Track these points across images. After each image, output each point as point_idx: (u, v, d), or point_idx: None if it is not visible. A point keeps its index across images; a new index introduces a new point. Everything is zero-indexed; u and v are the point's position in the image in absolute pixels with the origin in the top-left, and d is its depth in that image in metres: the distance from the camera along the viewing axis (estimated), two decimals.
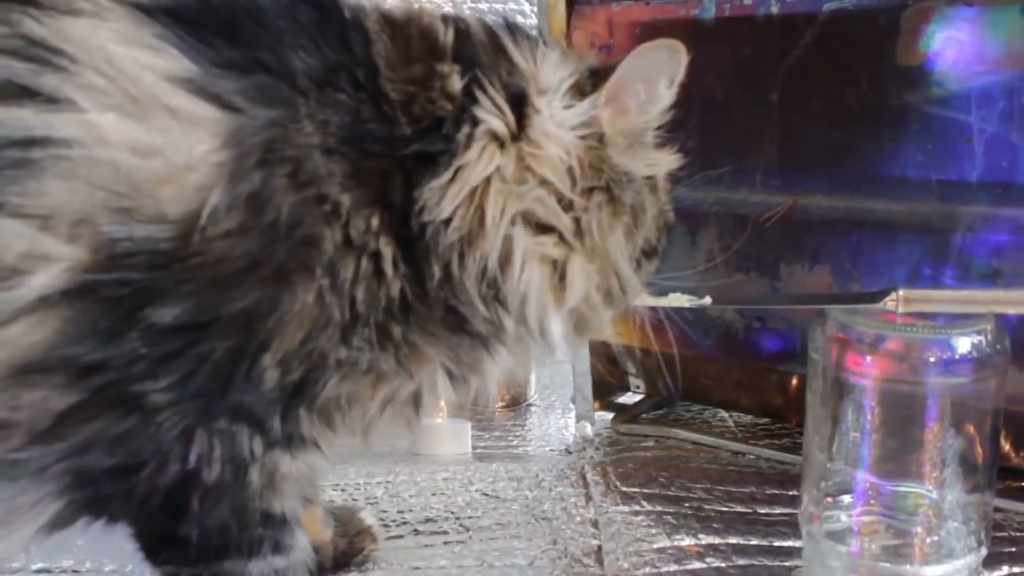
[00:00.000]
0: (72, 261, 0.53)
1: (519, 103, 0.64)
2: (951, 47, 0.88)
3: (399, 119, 0.62)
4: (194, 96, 0.56)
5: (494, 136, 0.63)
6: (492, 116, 0.63)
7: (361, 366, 0.62)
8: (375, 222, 0.60)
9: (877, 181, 0.93)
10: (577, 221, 0.66)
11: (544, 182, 0.64)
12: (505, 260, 0.64)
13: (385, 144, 0.61)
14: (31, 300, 0.53)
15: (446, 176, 0.62)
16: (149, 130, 0.54)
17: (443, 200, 0.61)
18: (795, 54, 0.97)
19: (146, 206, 0.54)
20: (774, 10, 0.98)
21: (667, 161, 0.72)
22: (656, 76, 0.67)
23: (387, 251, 0.61)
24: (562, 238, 0.66)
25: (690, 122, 1.04)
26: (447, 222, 0.62)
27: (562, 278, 0.66)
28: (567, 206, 0.65)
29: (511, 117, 0.64)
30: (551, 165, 0.64)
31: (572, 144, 0.65)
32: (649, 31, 1.05)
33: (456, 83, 0.63)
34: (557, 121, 0.65)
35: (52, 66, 0.53)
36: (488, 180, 0.63)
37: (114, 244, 0.54)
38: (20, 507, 0.59)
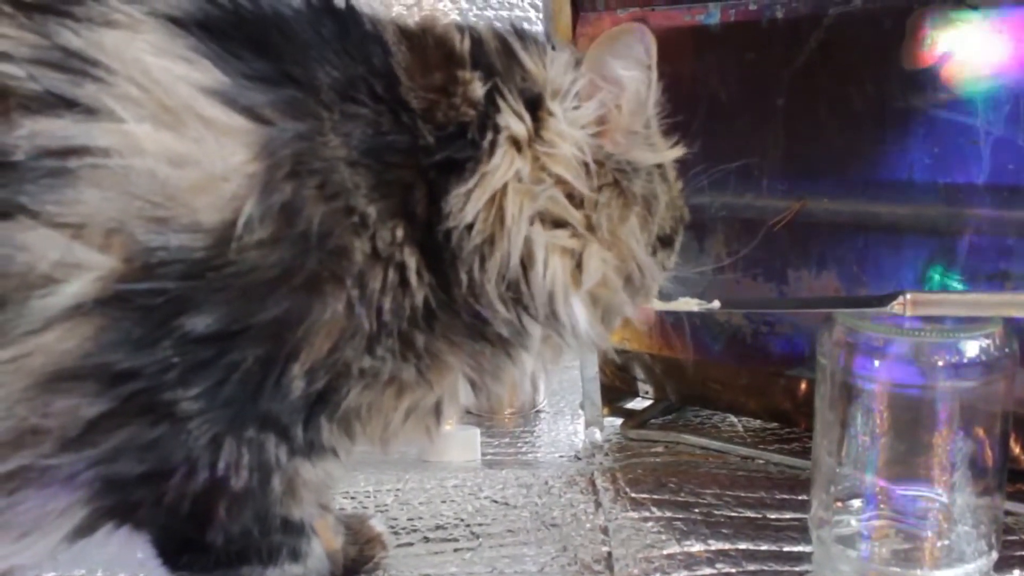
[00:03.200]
0: (105, 270, 0.54)
1: (535, 107, 0.65)
2: (957, 50, 0.88)
3: (420, 128, 0.62)
4: (227, 107, 0.56)
5: (514, 141, 0.64)
6: (514, 121, 0.64)
7: (383, 376, 0.63)
8: (400, 233, 0.61)
9: (883, 185, 0.93)
10: (588, 217, 0.66)
11: (559, 181, 0.65)
12: (528, 260, 0.64)
13: (406, 155, 0.62)
14: (65, 308, 0.53)
15: (472, 182, 0.62)
16: (184, 140, 0.55)
17: (467, 205, 0.62)
18: (800, 59, 0.97)
19: (181, 215, 0.55)
20: (779, 15, 0.98)
21: (670, 148, 0.73)
22: (611, 62, 0.67)
23: (411, 261, 0.61)
24: (576, 231, 0.66)
25: (696, 128, 1.04)
26: (470, 227, 0.62)
27: (579, 265, 0.67)
28: (578, 203, 0.66)
29: (530, 122, 0.65)
30: (566, 164, 0.65)
31: (585, 142, 0.66)
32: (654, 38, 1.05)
33: (479, 90, 0.64)
34: (569, 120, 0.66)
35: (89, 77, 0.54)
36: (506, 183, 0.63)
37: (149, 253, 0.54)
38: (49, 514, 0.59)
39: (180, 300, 0.55)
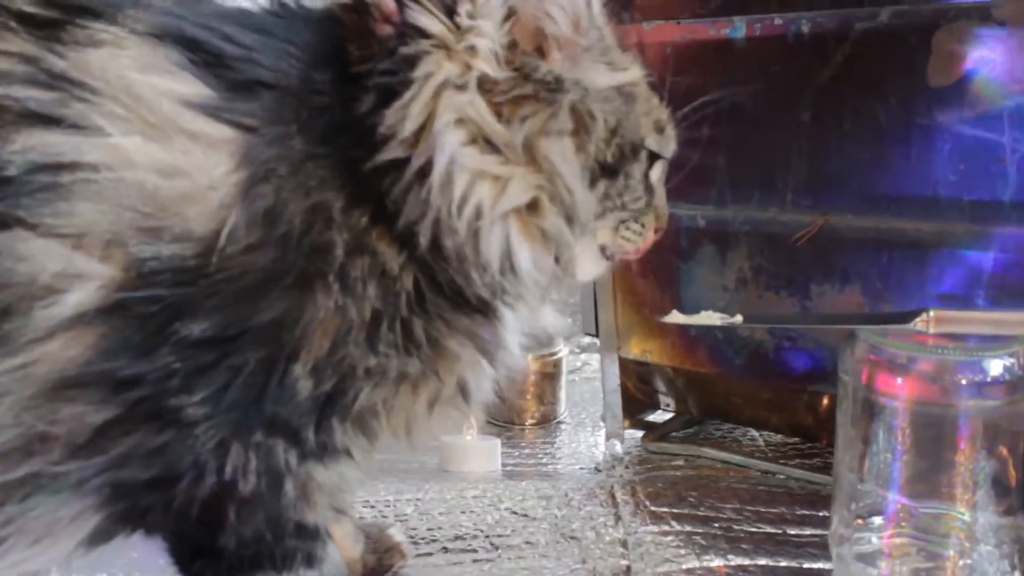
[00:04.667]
0: (105, 279, 0.55)
1: (451, 9, 0.63)
2: (983, 67, 0.88)
3: (361, 96, 0.62)
4: (211, 119, 0.58)
5: (440, 45, 0.62)
6: (431, 21, 0.62)
7: (391, 373, 0.63)
8: (365, 220, 0.61)
9: (908, 201, 0.93)
10: (512, 129, 0.63)
11: (482, 81, 0.62)
12: (452, 187, 0.62)
13: (354, 131, 0.61)
14: (67, 317, 0.55)
15: (408, 95, 0.61)
16: (172, 152, 0.57)
17: (406, 120, 0.61)
18: (825, 73, 0.97)
19: (174, 224, 0.56)
20: (804, 29, 0.98)
21: (624, 70, 0.69)
22: None
23: (382, 245, 0.61)
24: (503, 155, 0.63)
25: (721, 141, 1.05)
26: (408, 162, 0.61)
27: (504, 189, 0.63)
28: (502, 116, 0.63)
29: (448, 21, 0.63)
30: (483, 56, 0.62)
31: (495, 31, 0.63)
32: (680, 51, 1.06)
33: (390, 3, 0.63)
34: (481, 11, 0.63)
35: (75, 97, 0.56)
36: (439, 90, 0.62)
37: (143, 262, 0.56)
38: (60, 520, 0.60)
39: (175, 307, 0.56)
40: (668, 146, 0.74)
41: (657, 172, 0.73)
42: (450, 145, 0.61)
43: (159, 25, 0.59)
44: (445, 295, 0.64)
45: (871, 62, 0.94)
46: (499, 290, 0.65)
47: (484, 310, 0.66)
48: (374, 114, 0.61)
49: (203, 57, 0.59)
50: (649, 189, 0.72)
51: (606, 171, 0.68)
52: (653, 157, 0.72)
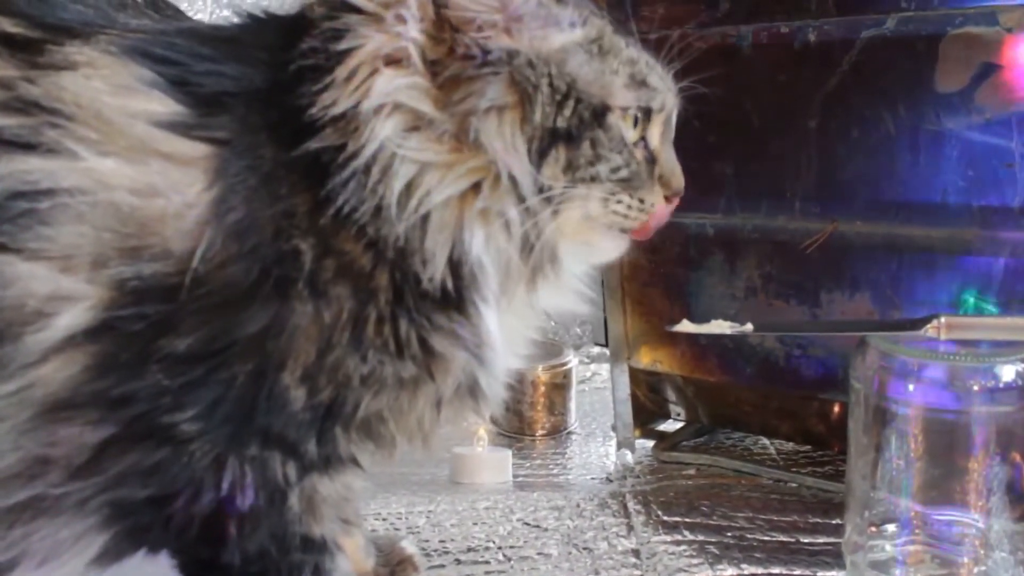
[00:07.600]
0: (94, 300, 0.56)
1: None
2: (991, 72, 0.88)
3: (309, 89, 0.61)
4: (184, 138, 0.58)
5: (369, 17, 0.61)
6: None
7: (388, 380, 0.63)
8: (329, 220, 0.60)
9: (917, 207, 0.93)
10: (449, 114, 0.62)
11: (418, 63, 0.61)
12: (387, 172, 0.61)
13: (304, 131, 0.60)
14: (59, 339, 0.56)
15: (339, 71, 0.60)
16: (148, 173, 0.57)
17: (338, 100, 0.60)
18: (833, 80, 0.97)
19: (152, 244, 0.57)
20: (811, 37, 0.98)
21: (572, 30, 0.65)
22: None
23: (349, 244, 0.61)
24: (444, 142, 0.62)
25: (729, 149, 1.04)
26: (344, 148, 0.60)
27: (446, 176, 0.61)
28: (438, 100, 0.61)
29: None
30: (412, 24, 0.61)
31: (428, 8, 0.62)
32: (684, 59, 1.06)
33: None
34: None
35: (49, 124, 0.56)
36: (372, 66, 0.61)
37: (125, 282, 0.56)
38: (64, 541, 0.60)
39: (159, 324, 0.57)
40: (657, 97, 0.68)
41: (656, 131, 0.68)
42: (385, 130, 0.60)
43: (130, 44, 0.60)
44: (419, 291, 0.62)
45: (878, 69, 0.94)
46: (456, 281, 0.63)
47: (459, 306, 0.64)
48: (309, 98, 0.60)
49: (172, 74, 0.59)
50: (649, 158, 0.68)
51: (561, 137, 0.64)
52: (646, 114, 0.67)
